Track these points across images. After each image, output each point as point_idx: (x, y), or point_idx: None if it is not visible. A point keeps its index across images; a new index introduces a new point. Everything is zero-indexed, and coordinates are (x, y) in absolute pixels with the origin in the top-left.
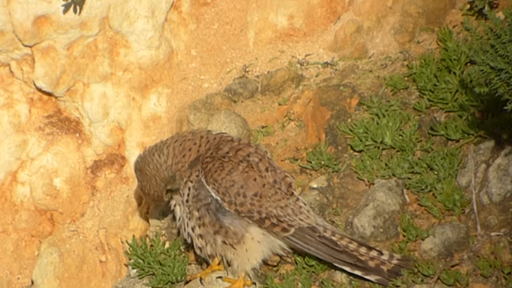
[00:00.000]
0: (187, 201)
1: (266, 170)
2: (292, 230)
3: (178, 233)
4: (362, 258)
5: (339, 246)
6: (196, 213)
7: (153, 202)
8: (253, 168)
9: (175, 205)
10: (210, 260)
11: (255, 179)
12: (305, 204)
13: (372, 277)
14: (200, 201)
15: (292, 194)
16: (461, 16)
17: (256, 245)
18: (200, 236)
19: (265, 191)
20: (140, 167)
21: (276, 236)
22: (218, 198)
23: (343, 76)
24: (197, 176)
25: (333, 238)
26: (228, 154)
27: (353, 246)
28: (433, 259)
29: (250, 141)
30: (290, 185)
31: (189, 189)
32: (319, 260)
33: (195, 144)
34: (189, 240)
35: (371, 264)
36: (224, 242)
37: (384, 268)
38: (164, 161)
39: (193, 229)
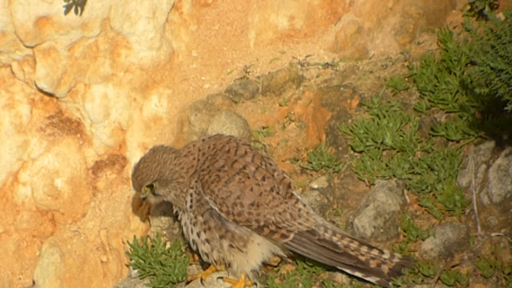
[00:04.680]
0: (191, 206)
1: (263, 179)
2: (291, 235)
3: (183, 236)
4: (363, 258)
5: (339, 248)
6: (200, 218)
7: (133, 187)
8: (250, 178)
9: (177, 212)
10: (217, 265)
11: (251, 189)
12: (305, 205)
13: (372, 279)
14: (203, 206)
15: (291, 195)
16: (462, 17)
17: (256, 248)
18: (207, 240)
19: (262, 199)
20: (155, 151)
21: (276, 242)
22: (216, 209)
23: (343, 77)
24: (196, 182)
25: (333, 239)
26: (224, 168)
27: (354, 245)
28: (433, 259)
29: (250, 145)
30: (289, 186)
31: (191, 195)
32: (320, 262)
33: (194, 159)
34: (194, 247)
35: (372, 263)
36: (231, 246)
37: (385, 267)
38: (173, 166)
39: (198, 234)
